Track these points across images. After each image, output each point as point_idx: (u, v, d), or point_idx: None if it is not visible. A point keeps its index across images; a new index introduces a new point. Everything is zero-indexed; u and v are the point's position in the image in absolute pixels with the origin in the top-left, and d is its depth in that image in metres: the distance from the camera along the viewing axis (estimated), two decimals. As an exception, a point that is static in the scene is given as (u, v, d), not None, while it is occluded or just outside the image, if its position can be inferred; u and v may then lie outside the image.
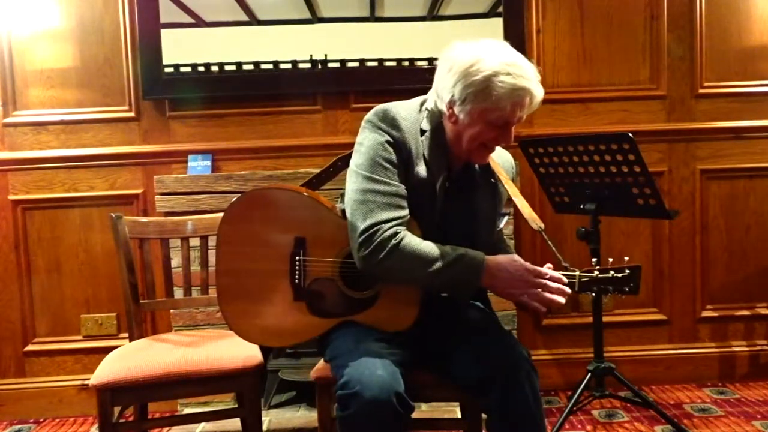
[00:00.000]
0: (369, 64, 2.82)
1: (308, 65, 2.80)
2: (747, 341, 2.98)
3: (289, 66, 2.80)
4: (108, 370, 1.85)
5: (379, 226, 1.49)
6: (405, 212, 1.54)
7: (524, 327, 2.89)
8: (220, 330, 2.36)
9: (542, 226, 1.67)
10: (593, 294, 1.57)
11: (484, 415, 1.66)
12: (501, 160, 1.75)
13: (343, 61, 2.81)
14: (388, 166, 1.54)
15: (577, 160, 2.23)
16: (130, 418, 2.31)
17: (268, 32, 2.80)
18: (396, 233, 1.50)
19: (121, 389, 1.81)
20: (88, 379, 1.96)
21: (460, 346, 1.60)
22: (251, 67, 2.80)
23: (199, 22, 2.80)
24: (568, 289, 1.50)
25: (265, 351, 2.19)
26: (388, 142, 1.55)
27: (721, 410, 2.62)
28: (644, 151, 2.10)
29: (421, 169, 1.58)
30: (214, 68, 2.80)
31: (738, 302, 2.97)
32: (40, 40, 2.80)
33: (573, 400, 2.35)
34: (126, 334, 2.38)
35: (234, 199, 1.68)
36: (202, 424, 2.59)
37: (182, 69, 2.79)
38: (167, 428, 2.56)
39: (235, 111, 2.85)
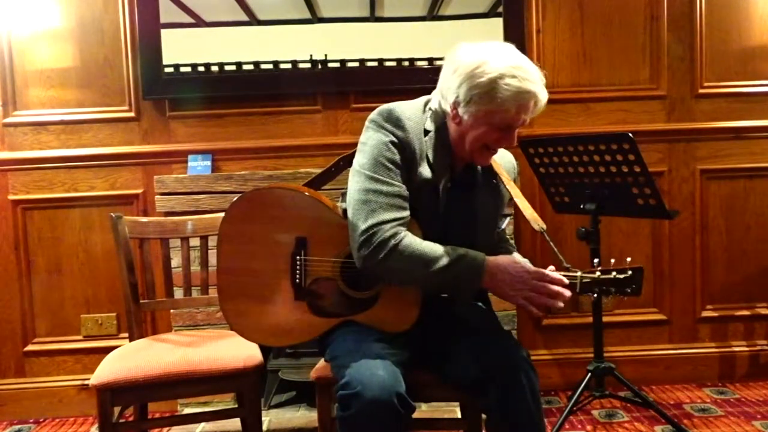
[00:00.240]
0: (369, 64, 2.82)
1: (308, 65, 2.80)
2: (747, 341, 2.98)
3: (289, 66, 2.80)
4: (108, 370, 1.85)
5: (379, 227, 1.49)
6: (406, 213, 1.54)
7: (524, 327, 2.89)
8: (220, 330, 2.37)
9: (544, 226, 1.66)
10: (594, 295, 1.56)
11: (483, 415, 1.66)
12: (503, 161, 1.75)
13: (343, 61, 2.81)
14: (391, 166, 1.54)
15: (577, 160, 2.23)
16: (130, 418, 2.31)
17: (268, 32, 2.80)
18: (396, 233, 1.50)
19: (121, 389, 1.81)
20: (88, 379, 1.96)
21: (459, 346, 1.60)
22: (251, 67, 2.80)
23: (199, 22, 2.80)
24: (568, 292, 1.50)
25: (265, 351, 2.20)
26: (392, 142, 1.55)
27: (721, 410, 2.62)
28: (644, 151, 2.10)
29: (425, 170, 1.58)
30: (214, 68, 2.80)
31: (738, 302, 2.97)
32: (40, 40, 2.80)
33: (573, 400, 2.35)
34: (126, 334, 2.38)
35: (236, 198, 1.68)
36: (202, 424, 2.59)
37: (182, 69, 2.79)
38: (167, 428, 2.56)
39: (235, 111, 2.85)
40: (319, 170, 2.47)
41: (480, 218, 1.67)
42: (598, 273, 1.55)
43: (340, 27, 2.81)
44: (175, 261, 2.41)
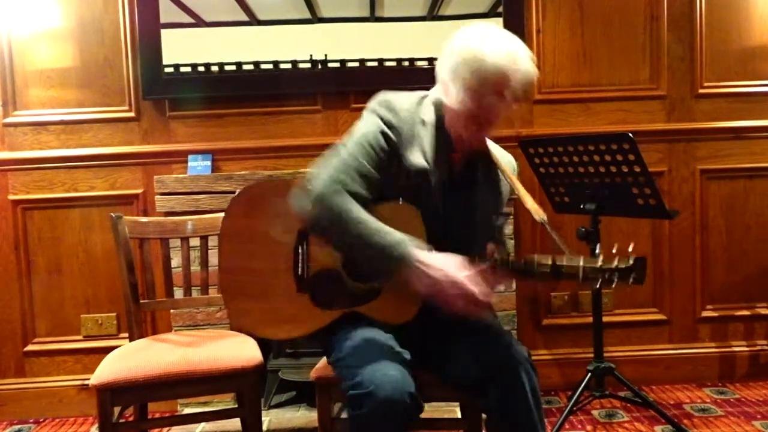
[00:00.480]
0: (369, 64, 2.82)
1: (308, 65, 2.80)
2: (747, 341, 2.98)
3: (289, 66, 2.80)
4: (108, 370, 1.85)
5: (339, 184, 1.49)
6: (366, 193, 1.53)
7: (524, 327, 2.89)
8: (220, 330, 2.37)
9: (545, 217, 1.66)
10: (597, 285, 1.54)
11: (484, 415, 1.66)
12: (503, 160, 1.75)
13: (343, 61, 2.81)
14: (371, 151, 1.55)
15: (577, 160, 2.23)
16: (130, 418, 2.31)
17: (268, 32, 2.80)
18: (346, 194, 1.49)
19: (121, 389, 1.81)
20: (88, 379, 1.96)
21: (459, 346, 1.60)
22: (251, 67, 2.80)
23: (199, 22, 2.80)
24: (485, 303, 1.47)
25: (265, 351, 2.20)
26: (382, 131, 1.57)
27: (721, 410, 2.62)
28: (644, 151, 2.10)
29: (416, 157, 1.58)
30: (214, 68, 2.80)
31: (738, 302, 2.97)
32: (40, 40, 2.80)
33: (573, 400, 2.35)
34: (126, 334, 2.38)
35: (235, 195, 1.68)
36: (202, 424, 2.59)
37: (182, 69, 2.79)
38: (167, 428, 2.56)
39: (235, 111, 2.85)
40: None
41: (480, 217, 1.68)
42: (600, 262, 1.54)
43: (340, 27, 2.81)
44: (175, 261, 2.41)
